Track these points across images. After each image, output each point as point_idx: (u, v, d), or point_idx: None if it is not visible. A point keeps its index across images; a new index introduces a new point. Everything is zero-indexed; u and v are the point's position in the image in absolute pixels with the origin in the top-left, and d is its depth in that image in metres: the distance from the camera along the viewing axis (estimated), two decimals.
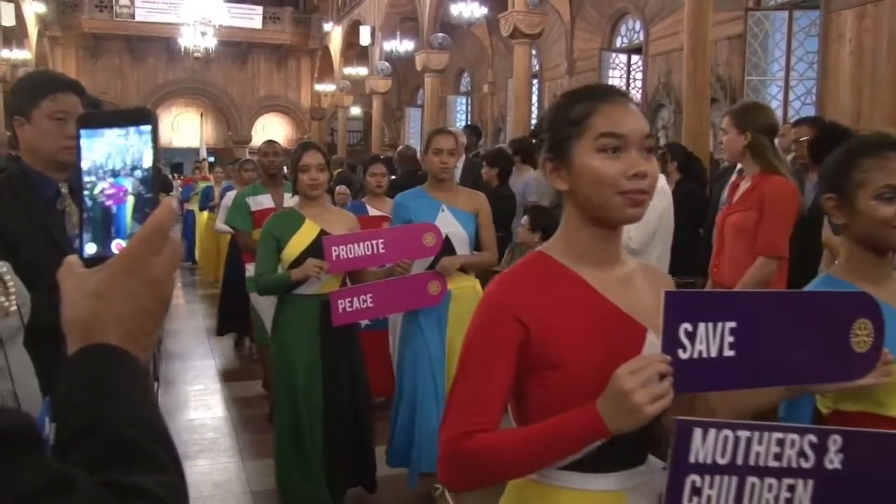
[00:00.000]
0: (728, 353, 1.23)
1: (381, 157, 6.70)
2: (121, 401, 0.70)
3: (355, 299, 3.41)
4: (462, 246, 3.68)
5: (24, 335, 1.55)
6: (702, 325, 1.21)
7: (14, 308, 1.52)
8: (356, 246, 3.34)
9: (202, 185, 11.67)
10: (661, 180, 4.25)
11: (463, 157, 6.93)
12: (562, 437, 1.21)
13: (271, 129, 28.11)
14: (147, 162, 0.79)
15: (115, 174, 0.79)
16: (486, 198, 3.93)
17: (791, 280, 3.41)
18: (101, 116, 0.80)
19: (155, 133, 0.79)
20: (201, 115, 26.47)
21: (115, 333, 0.73)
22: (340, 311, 3.36)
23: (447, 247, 3.62)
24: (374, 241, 3.39)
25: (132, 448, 0.67)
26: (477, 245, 3.81)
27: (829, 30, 10.30)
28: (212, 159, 18.13)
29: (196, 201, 11.41)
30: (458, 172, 6.83)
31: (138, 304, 0.74)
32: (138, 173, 0.79)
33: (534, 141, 4.15)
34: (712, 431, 1.23)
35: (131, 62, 26.45)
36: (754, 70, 11.04)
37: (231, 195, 6.36)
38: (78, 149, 0.80)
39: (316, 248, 3.36)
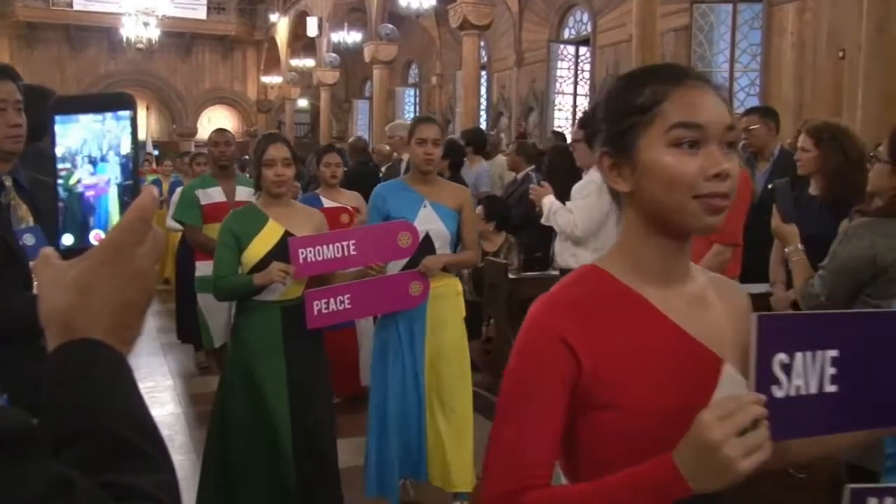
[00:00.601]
0: (830, 388, 1.02)
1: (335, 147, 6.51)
2: (110, 398, 0.67)
3: (332, 300, 3.15)
4: (443, 244, 3.50)
5: None
6: (799, 356, 1.00)
7: None
8: (325, 248, 3.07)
9: (150, 178, 11.29)
10: None
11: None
12: (631, 497, 0.99)
13: (217, 121, 27.57)
14: (126, 149, 0.76)
15: (93, 162, 0.76)
16: (469, 193, 3.77)
17: (744, 267, 3.48)
18: (77, 102, 0.77)
19: (134, 119, 0.76)
20: (147, 107, 25.94)
21: (97, 327, 0.69)
22: (315, 312, 3.09)
23: (427, 244, 3.43)
24: (345, 243, 3.13)
25: (125, 447, 0.65)
26: (458, 242, 3.66)
27: (771, 23, 10.54)
28: (156, 153, 17.75)
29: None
30: (403, 163, 6.83)
31: (121, 296, 0.71)
32: (117, 160, 0.76)
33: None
34: (889, 501, 1.04)
35: (70, 53, 25.71)
36: (700, 61, 11.24)
37: (181, 191, 6.17)
38: (52, 135, 0.76)
39: (280, 251, 3.05)
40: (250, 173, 5.37)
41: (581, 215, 4.17)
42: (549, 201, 4.33)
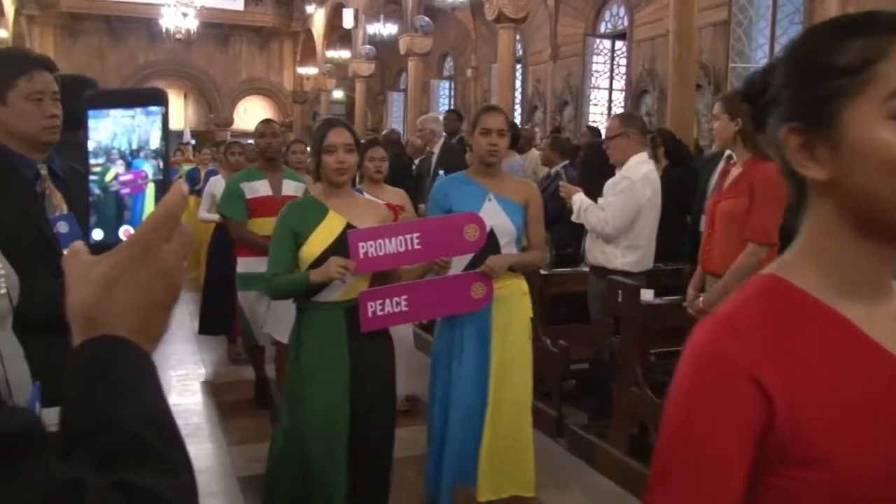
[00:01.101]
0: None
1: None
2: (130, 397, 0.66)
3: (387, 301, 2.91)
4: (508, 241, 3.27)
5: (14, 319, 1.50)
6: None
7: (3, 291, 1.47)
8: (387, 241, 2.83)
9: (186, 167, 11.22)
10: (646, 167, 4.23)
11: (443, 139, 6.91)
12: None
13: (253, 111, 27.82)
14: (157, 144, 0.76)
15: (125, 157, 0.76)
16: (537, 188, 3.56)
17: None
18: (110, 96, 0.77)
19: (166, 115, 0.76)
20: (185, 95, 26.22)
21: (122, 324, 0.69)
22: (370, 314, 2.87)
23: (491, 242, 3.20)
24: (408, 236, 2.88)
25: (143, 447, 0.64)
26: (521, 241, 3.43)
27: (813, 17, 10.31)
28: (193, 142, 17.92)
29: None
30: (434, 156, 6.81)
31: (148, 293, 0.70)
32: (148, 156, 0.76)
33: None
34: None
35: (111, 43, 26.05)
36: (738, 57, 11.07)
37: (216, 181, 6.01)
38: (85, 129, 0.76)
39: (341, 246, 2.83)
40: (288, 162, 5.37)
41: (613, 212, 4.13)
42: (578, 199, 4.29)
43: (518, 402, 3.33)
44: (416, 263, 3.02)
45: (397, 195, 4.80)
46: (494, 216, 3.22)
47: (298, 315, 2.99)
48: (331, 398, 2.85)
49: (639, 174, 4.13)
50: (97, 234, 0.76)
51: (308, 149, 5.09)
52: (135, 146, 0.76)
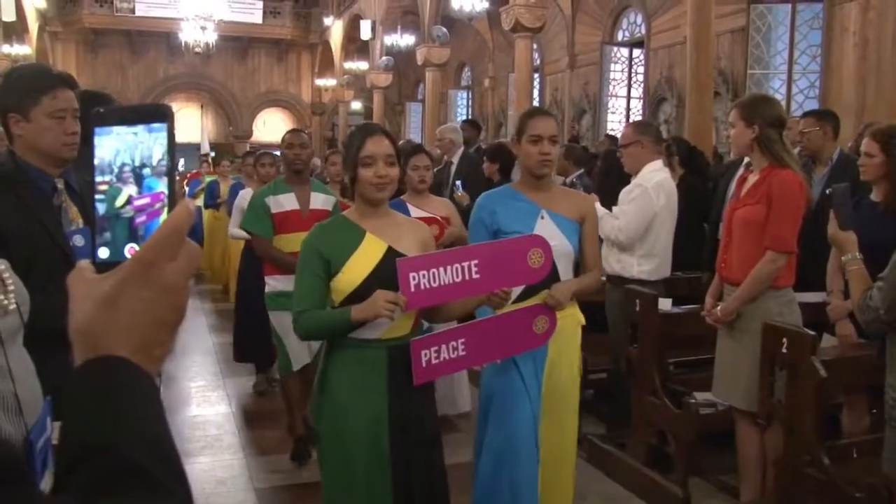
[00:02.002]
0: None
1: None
2: (128, 419, 0.65)
3: (443, 347, 2.50)
4: (567, 264, 2.92)
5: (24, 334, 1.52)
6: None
7: (13, 306, 1.48)
8: (441, 271, 2.40)
9: (207, 178, 10.81)
10: (660, 175, 4.21)
11: (461, 150, 6.91)
12: None
13: (272, 123, 28.03)
14: (163, 161, 0.76)
15: (132, 174, 0.76)
16: (593, 202, 3.23)
17: (800, 274, 3.38)
18: (118, 114, 0.77)
19: (171, 131, 0.76)
20: (202, 106, 26.45)
21: (125, 344, 0.68)
22: (424, 364, 2.46)
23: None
24: (465, 264, 2.44)
25: (136, 470, 0.63)
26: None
27: (832, 22, 10.26)
28: (213, 154, 18.05)
29: (201, 198, 10.11)
30: (453, 167, 6.81)
31: (151, 312, 0.69)
32: (154, 173, 0.76)
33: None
34: None
35: (131, 57, 26.41)
36: (757, 63, 11.01)
37: (245, 195, 5.50)
38: (91, 147, 0.76)
39: (383, 274, 2.42)
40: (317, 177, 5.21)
41: (626, 220, 4.11)
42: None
43: (563, 449, 3.02)
44: (474, 296, 2.55)
45: (444, 206, 4.49)
46: (549, 236, 2.75)
47: (329, 349, 2.56)
48: (366, 455, 2.46)
49: (652, 182, 4.11)
50: (103, 253, 0.75)
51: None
52: (142, 163, 0.76)
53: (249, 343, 5.62)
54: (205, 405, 5.41)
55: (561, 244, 2.86)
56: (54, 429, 1.33)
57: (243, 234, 4.66)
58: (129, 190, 0.76)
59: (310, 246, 2.52)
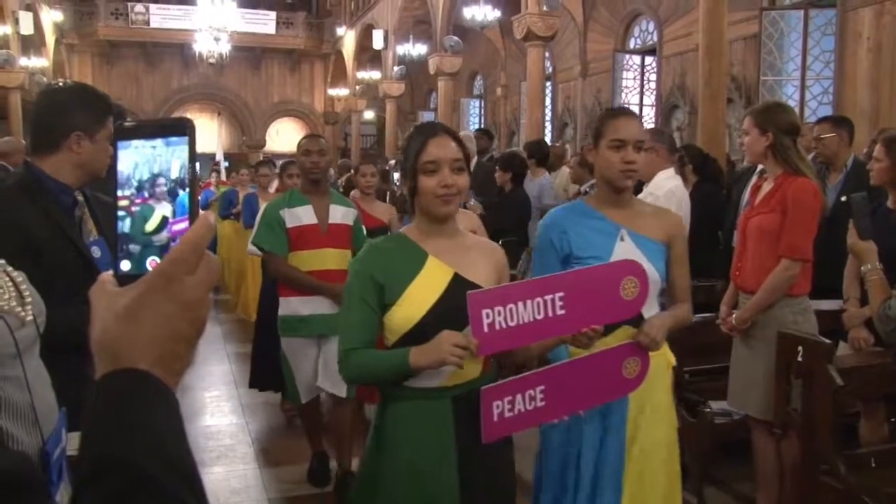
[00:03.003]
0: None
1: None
2: (147, 433, 0.65)
3: (518, 397, 2.02)
4: (654, 294, 2.42)
5: (40, 345, 1.53)
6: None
7: (30, 318, 1.49)
8: (520, 307, 1.94)
9: (222, 189, 10.67)
10: (672, 183, 4.19)
11: (475, 160, 6.91)
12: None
13: (285, 133, 28.18)
14: (182, 174, 0.76)
15: (151, 187, 0.77)
16: (680, 218, 2.77)
17: (815, 282, 3.36)
18: (137, 128, 0.78)
19: (192, 145, 0.76)
20: (218, 113, 26.61)
21: (145, 358, 0.68)
22: (496, 418, 2.01)
23: None
24: (549, 297, 1.98)
25: (155, 486, 0.63)
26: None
27: (845, 28, 10.21)
28: (226, 164, 18.14)
29: (216, 208, 9.65)
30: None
31: (171, 326, 0.70)
32: (175, 186, 0.76)
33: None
34: None
35: (146, 68, 26.64)
36: (770, 70, 10.96)
37: (263, 210, 4.94)
38: (114, 161, 0.77)
39: (449, 308, 1.98)
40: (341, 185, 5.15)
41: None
42: None
43: None
44: (559, 335, 2.11)
45: (469, 219, 4.20)
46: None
47: (382, 399, 2.14)
48: None
49: (664, 189, 4.10)
50: (125, 265, 0.76)
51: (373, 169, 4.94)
52: (165, 177, 0.76)
53: (267, 368, 5.00)
54: (219, 415, 5.42)
55: (647, 271, 2.28)
56: (69, 440, 1.34)
57: (257, 250, 4.13)
58: (164, 210, 0.76)
59: (361, 270, 2.06)
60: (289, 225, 3.88)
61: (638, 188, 4.32)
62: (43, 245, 2.09)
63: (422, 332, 1.97)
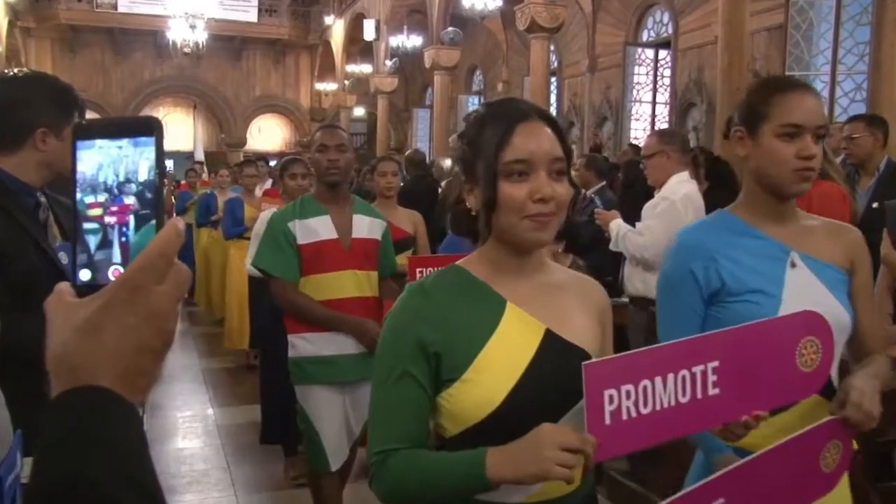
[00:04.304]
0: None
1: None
2: (108, 455, 0.65)
3: None
4: (839, 340, 1.80)
5: None
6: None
7: None
8: (658, 384, 1.39)
9: (202, 191, 10.26)
10: (687, 187, 4.21)
11: None
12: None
13: (268, 131, 28.25)
14: (149, 177, 0.76)
15: (115, 191, 0.77)
16: (860, 237, 2.00)
17: None
18: (100, 127, 0.78)
19: (160, 145, 0.76)
20: (195, 106, 26.61)
21: (107, 374, 0.68)
22: None
23: None
24: (699, 369, 1.44)
25: None
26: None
27: (883, 17, 10.18)
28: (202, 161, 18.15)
29: (193, 213, 9.19)
30: None
31: (136, 339, 0.69)
32: (140, 190, 0.76)
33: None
34: None
35: (114, 57, 26.59)
36: (796, 64, 11.01)
37: (266, 215, 4.48)
38: (74, 161, 0.77)
39: (541, 382, 1.46)
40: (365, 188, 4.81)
41: (651, 237, 4.12)
42: (616, 225, 4.29)
43: None
44: (711, 427, 1.57)
45: (410, 218, 4.49)
46: (809, 295, 1.83)
47: None
48: None
49: (679, 194, 4.12)
50: (84, 275, 0.76)
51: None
52: (126, 179, 0.76)
53: (275, 418, 4.59)
54: (191, 437, 5.41)
55: (830, 310, 1.78)
56: (24, 465, 1.33)
57: (256, 272, 3.65)
58: (101, 202, 0.77)
59: (401, 329, 1.51)
60: (301, 241, 3.33)
61: (651, 194, 4.34)
62: (5, 251, 2.07)
63: (500, 421, 1.42)
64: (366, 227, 3.46)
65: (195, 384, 6.81)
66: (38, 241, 2.17)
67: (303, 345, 3.35)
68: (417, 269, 3.14)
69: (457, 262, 1.61)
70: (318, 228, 3.35)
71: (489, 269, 1.55)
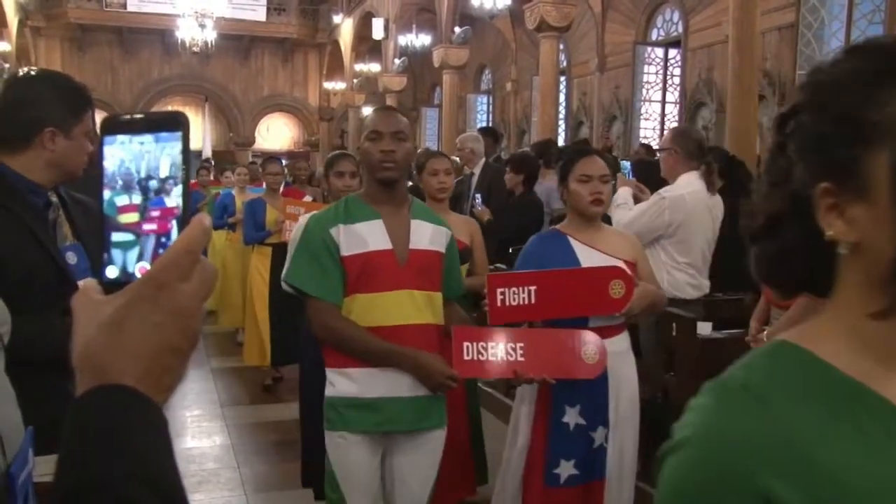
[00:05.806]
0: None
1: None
2: (131, 454, 0.65)
3: (514, 290, 2.89)
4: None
5: (5, 360, 1.53)
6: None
7: None
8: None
9: (213, 190, 9.78)
10: (685, 190, 4.22)
11: (482, 161, 6.94)
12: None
13: (276, 130, 28.30)
14: (177, 173, 0.76)
15: (142, 188, 0.76)
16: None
17: None
18: (128, 122, 0.77)
19: (186, 140, 0.76)
20: (206, 99, 26.61)
21: (131, 372, 0.68)
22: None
23: None
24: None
25: None
26: None
27: (895, 15, 10.15)
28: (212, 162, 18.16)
29: (206, 212, 8.24)
30: (474, 178, 6.83)
31: (161, 338, 0.69)
32: (168, 186, 0.76)
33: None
34: None
35: (123, 56, 26.64)
36: (808, 64, 10.98)
37: (302, 222, 2.92)
38: (100, 158, 0.76)
39: None
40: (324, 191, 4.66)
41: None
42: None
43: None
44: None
45: (465, 226, 3.95)
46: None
47: None
48: None
49: (673, 194, 4.16)
50: (111, 272, 0.74)
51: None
52: (153, 176, 0.75)
53: (312, 463, 3.86)
54: (201, 436, 5.44)
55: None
56: (36, 463, 1.34)
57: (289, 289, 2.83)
58: (135, 203, 0.75)
59: (714, 481, 0.83)
60: (345, 252, 2.67)
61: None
62: (10, 251, 2.07)
63: None
64: (427, 235, 2.77)
65: (205, 383, 6.82)
66: (42, 242, 2.16)
67: (343, 382, 2.68)
68: (498, 290, 2.78)
69: (785, 337, 0.90)
70: (367, 236, 2.68)
71: (860, 352, 0.83)
